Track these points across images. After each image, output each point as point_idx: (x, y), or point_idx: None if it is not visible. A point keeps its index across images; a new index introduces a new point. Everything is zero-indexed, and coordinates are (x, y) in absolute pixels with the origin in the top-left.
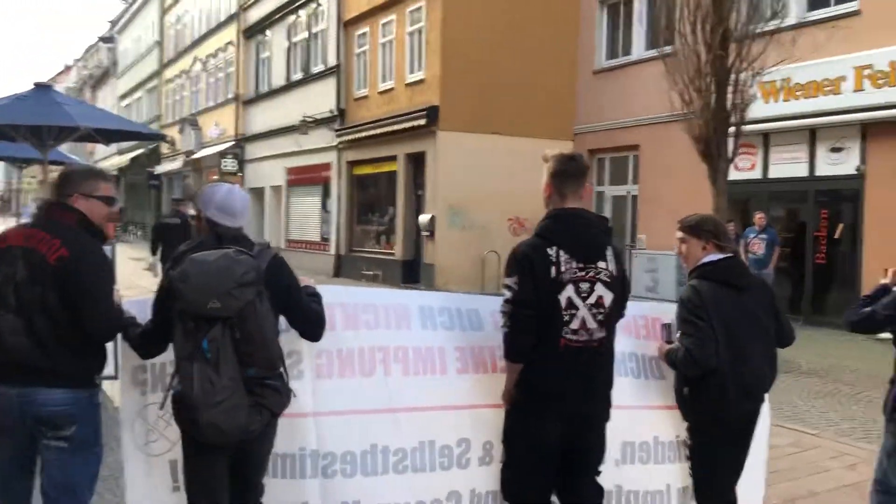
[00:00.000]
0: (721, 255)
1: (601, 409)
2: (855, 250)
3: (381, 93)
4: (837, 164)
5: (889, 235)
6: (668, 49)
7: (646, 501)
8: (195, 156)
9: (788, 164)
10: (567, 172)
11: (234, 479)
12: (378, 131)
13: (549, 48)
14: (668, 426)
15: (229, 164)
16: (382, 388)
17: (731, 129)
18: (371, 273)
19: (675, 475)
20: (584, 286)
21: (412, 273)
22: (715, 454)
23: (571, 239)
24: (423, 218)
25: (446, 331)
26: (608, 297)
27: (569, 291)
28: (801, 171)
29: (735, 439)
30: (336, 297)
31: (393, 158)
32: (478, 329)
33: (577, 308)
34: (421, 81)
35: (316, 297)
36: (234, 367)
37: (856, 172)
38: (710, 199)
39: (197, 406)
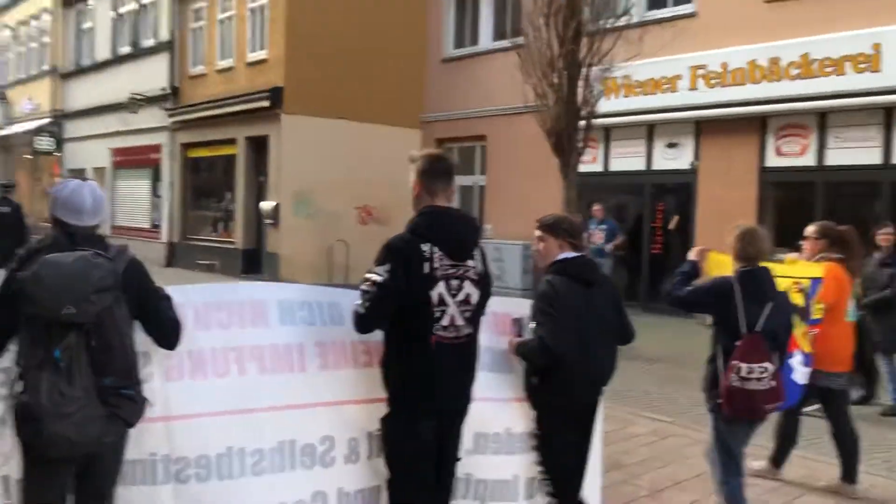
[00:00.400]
0: (575, 254)
1: (468, 403)
2: (687, 241)
3: (220, 71)
4: (673, 159)
5: (718, 227)
6: (520, 40)
7: (494, 491)
8: (3, 132)
9: (627, 158)
10: (436, 171)
11: (83, 491)
12: (216, 112)
13: (398, 34)
14: (518, 418)
15: (45, 142)
16: (237, 389)
17: (582, 123)
18: (207, 262)
19: (523, 466)
20: (455, 283)
21: (254, 263)
22: (561, 442)
23: (444, 236)
24: (266, 205)
25: (307, 326)
26: (475, 295)
27: (440, 288)
28: (638, 164)
29: (579, 427)
30: (188, 297)
31: (232, 142)
32: (339, 324)
33: (447, 305)
34: (263, 61)
35: (167, 300)
36: (88, 376)
37: (689, 168)
38: (556, 191)
39: (42, 417)
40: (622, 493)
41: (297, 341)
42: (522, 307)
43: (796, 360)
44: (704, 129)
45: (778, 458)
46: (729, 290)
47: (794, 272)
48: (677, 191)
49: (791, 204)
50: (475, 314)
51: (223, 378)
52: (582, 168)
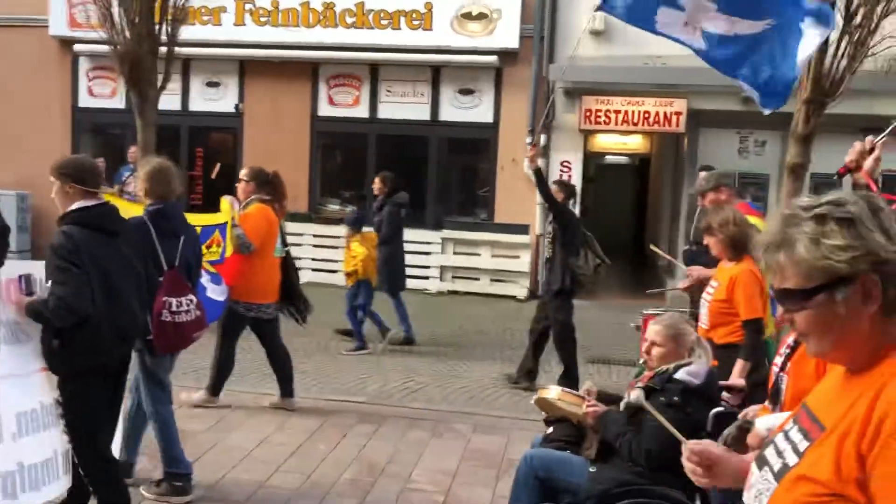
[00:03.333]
0: (95, 202)
1: None
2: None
3: None
4: (214, 100)
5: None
6: None
7: (40, 473)
8: None
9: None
10: None
11: None
12: None
13: None
14: (47, 388)
15: None
16: None
17: (163, 51)
18: None
19: (58, 440)
20: None
21: None
22: (91, 402)
23: None
24: None
25: None
26: None
27: None
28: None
29: (109, 384)
30: None
31: None
32: None
33: None
34: None
35: None
36: None
37: (234, 111)
38: (60, 128)
39: None
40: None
41: None
42: (35, 267)
43: (205, 280)
44: (250, 69)
45: (216, 387)
46: (145, 229)
47: (206, 221)
48: (220, 135)
49: (344, 154)
50: None
51: None
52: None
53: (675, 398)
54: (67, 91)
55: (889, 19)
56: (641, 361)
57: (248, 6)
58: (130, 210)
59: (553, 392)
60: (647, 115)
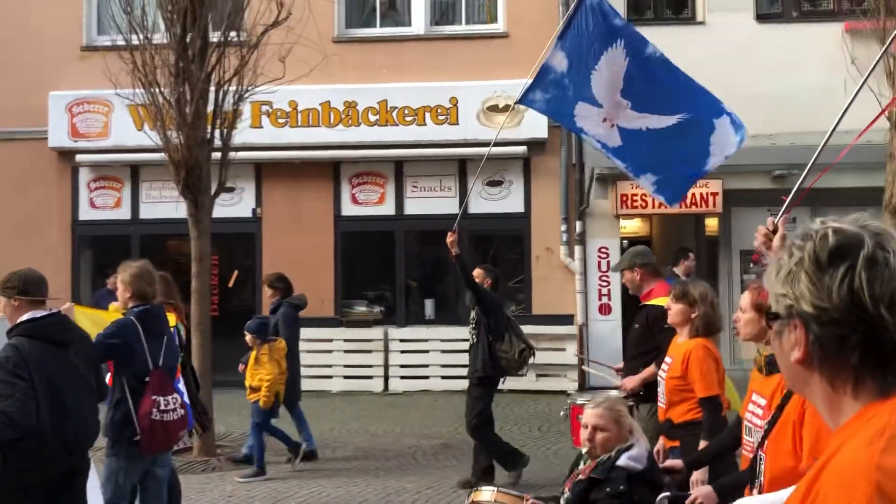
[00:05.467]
0: (43, 313)
1: None
2: (255, 299)
3: None
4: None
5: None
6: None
7: None
8: None
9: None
10: None
11: None
12: None
13: None
14: None
15: None
16: None
17: (217, 156)
18: None
19: None
20: None
21: None
22: None
23: None
24: None
25: None
26: None
27: None
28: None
29: (52, 499)
30: None
31: None
32: None
33: None
34: None
35: None
36: None
37: (252, 216)
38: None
39: None
40: None
41: None
42: None
43: (182, 385)
44: (267, 172)
45: None
46: (134, 329)
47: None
48: (237, 241)
49: (369, 253)
50: None
51: None
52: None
53: (621, 487)
54: (67, 203)
55: None
56: (584, 451)
57: (264, 108)
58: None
59: (486, 494)
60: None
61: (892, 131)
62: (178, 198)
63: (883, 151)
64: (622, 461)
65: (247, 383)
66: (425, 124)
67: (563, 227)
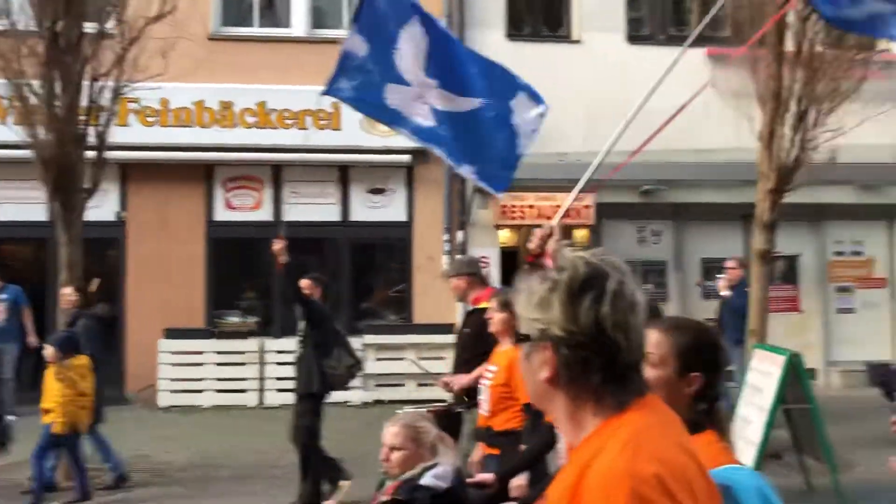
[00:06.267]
0: None
1: None
2: (119, 308)
3: None
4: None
5: (156, 289)
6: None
7: None
8: None
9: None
10: None
11: None
12: None
13: None
14: None
15: None
16: None
17: (91, 155)
18: None
19: None
20: None
21: None
22: None
23: None
24: None
25: None
26: None
27: None
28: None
29: None
30: None
31: None
32: None
33: None
34: None
35: None
36: None
37: (116, 219)
38: None
39: None
40: None
41: None
42: None
43: None
44: (133, 173)
45: None
46: None
47: None
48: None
49: (244, 260)
50: None
51: None
52: None
53: None
54: None
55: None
56: (383, 471)
57: (132, 105)
58: None
59: None
60: (557, 210)
61: (764, 151)
62: (37, 198)
63: (743, 170)
64: (426, 480)
65: (41, 405)
66: (306, 128)
67: (446, 237)
